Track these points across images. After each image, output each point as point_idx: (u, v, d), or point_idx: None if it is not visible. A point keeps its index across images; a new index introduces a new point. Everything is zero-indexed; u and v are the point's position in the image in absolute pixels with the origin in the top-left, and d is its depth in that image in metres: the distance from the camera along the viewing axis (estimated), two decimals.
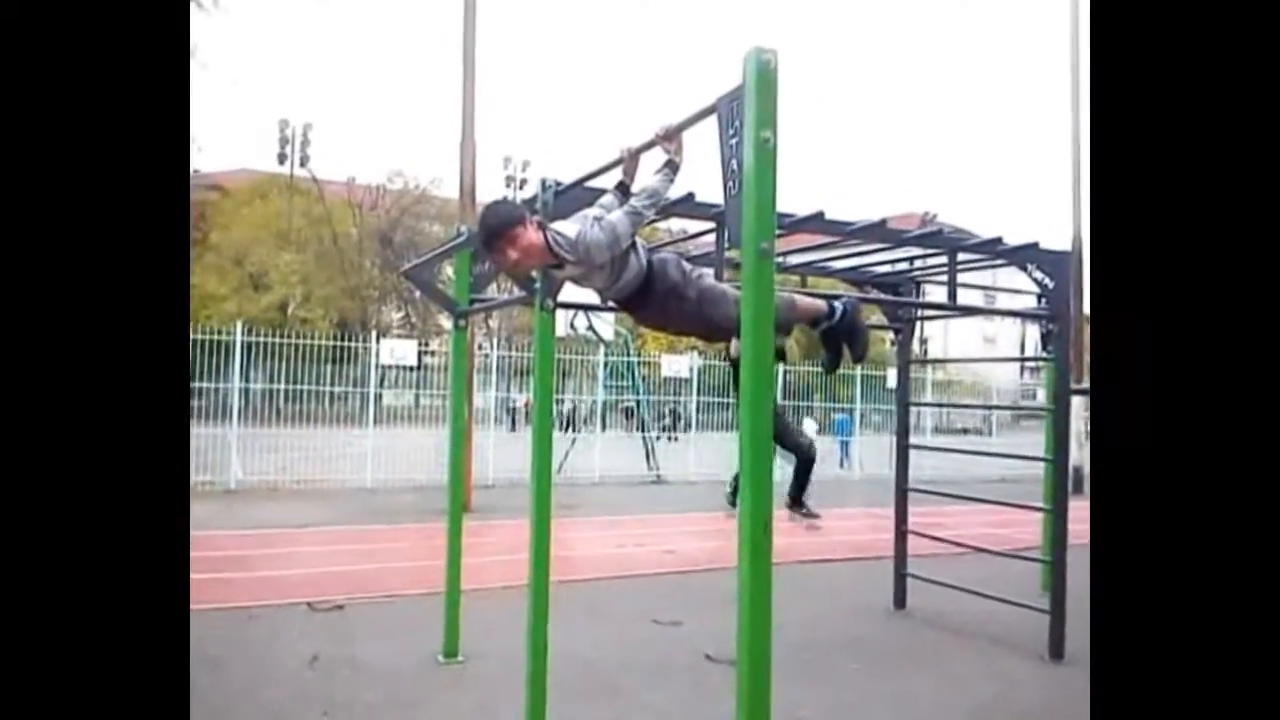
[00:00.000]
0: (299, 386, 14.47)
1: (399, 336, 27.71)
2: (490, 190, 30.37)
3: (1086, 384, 17.43)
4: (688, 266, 3.18)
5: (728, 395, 17.72)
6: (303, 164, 35.30)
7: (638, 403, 18.17)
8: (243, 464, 13.32)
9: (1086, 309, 23.92)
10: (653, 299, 3.08)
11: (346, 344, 15.47)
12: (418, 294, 26.16)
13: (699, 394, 18.01)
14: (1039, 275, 5.62)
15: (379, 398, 15.61)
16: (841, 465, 19.47)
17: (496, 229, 2.85)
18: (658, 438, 18.60)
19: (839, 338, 3.39)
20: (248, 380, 14.18)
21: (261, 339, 14.02)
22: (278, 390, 14.50)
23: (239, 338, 13.37)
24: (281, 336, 14.41)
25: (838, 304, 3.39)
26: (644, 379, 18.73)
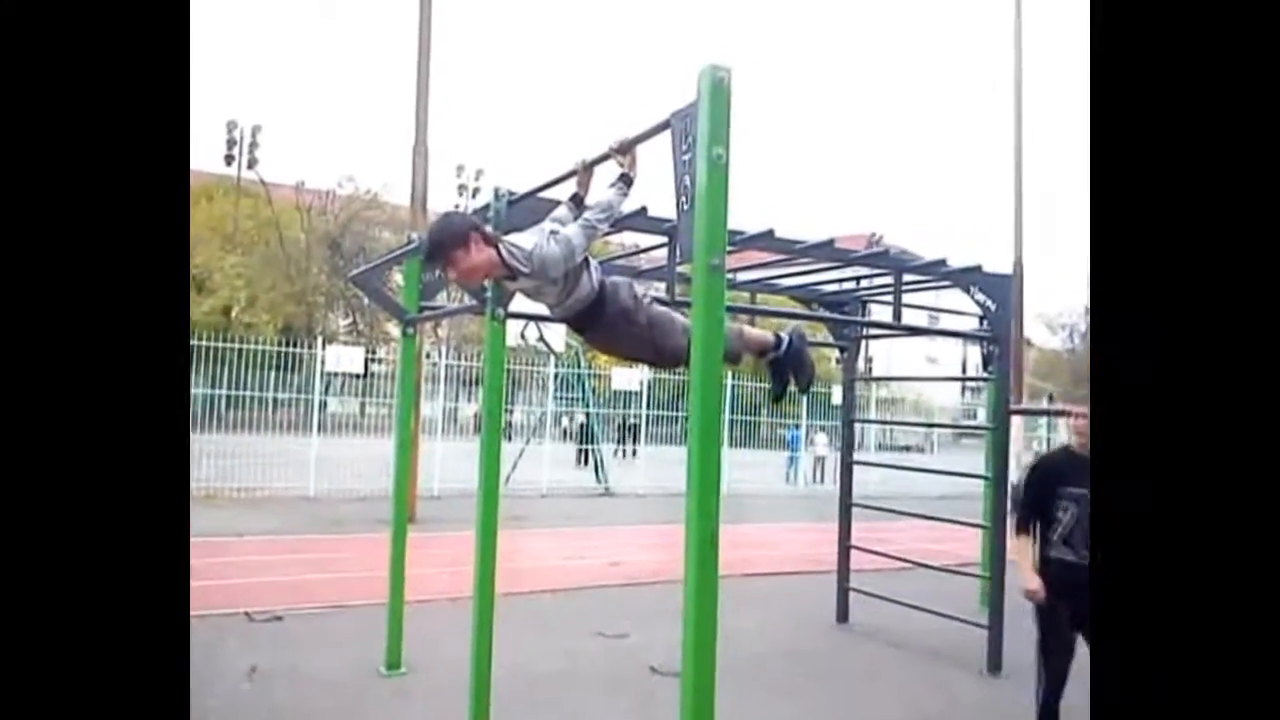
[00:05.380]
0: (241, 392, 14.17)
1: (346, 343, 27.28)
2: (442, 198, 30.21)
3: (1026, 404, 17.85)
4: (640, 291, 3.22)
5: (678, 409, 17.83)
6: (251, 166, 34.68)
7: (587, 415, 18.15)
8: None
9: (1027, 331, 24.51)
10: (603, 320, 3.11)
11: (291, 350, 15.20)
12: (366, 300, 25.82)
13: (649, 407, 18.04)
14: (981, 297, 5.76)
15: (324, 405, 15.36)
16: (788, 480, 19.68)
17: (441, 244, 2.87)
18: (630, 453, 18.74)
19: (785, 368, 3.48)
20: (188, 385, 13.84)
21: (204, 343, 13.72)
22: (219, 395, 14.19)
23: None
24: (224, 341, 14.11)
25: (784, 335, 3.48)
26: (594, 391, 18.73)
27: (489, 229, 2.99)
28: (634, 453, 18.62)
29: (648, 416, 18.10)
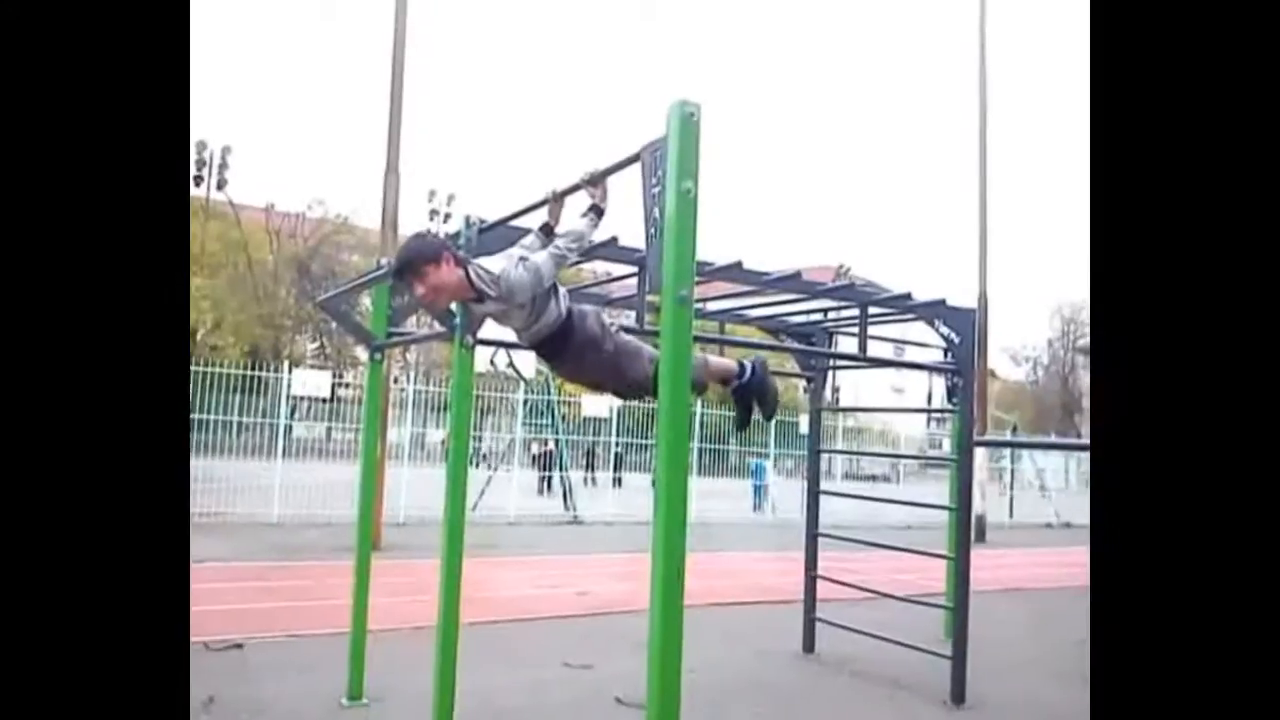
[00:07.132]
0: (204, 415, 13.99)
1: (313, 367, 27.03)
2: (413, 222, 30.16)
3: (990, 435, 18.07)
4: (607, 320, 3.26)
5: (647, 436, 17.83)
6: (220, 187, 34.46)
7: (557, 442, 18.10)
8: None
9: (991, 364, 24.86)
10: (570, 348, 3.14)
11: (256, 373, 15.03)
12: (334, 325, 25.65)
13: (618, 435, 18.01)
14: (945, 330, 5.85)
15: (289, 429, 15.17)
16: (756, 508, 19.70)
17: (409, 262, 2.93)
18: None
19: (749, 396, 3.52)
20: None
21: None
22: None
23: None
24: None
25: (748, 363, 3.52)
26: (564, 418, 18.68)
27: (460, 252, 3.04)
28: (618, 481, 18.52)
29: (617, 444, 18.06)
